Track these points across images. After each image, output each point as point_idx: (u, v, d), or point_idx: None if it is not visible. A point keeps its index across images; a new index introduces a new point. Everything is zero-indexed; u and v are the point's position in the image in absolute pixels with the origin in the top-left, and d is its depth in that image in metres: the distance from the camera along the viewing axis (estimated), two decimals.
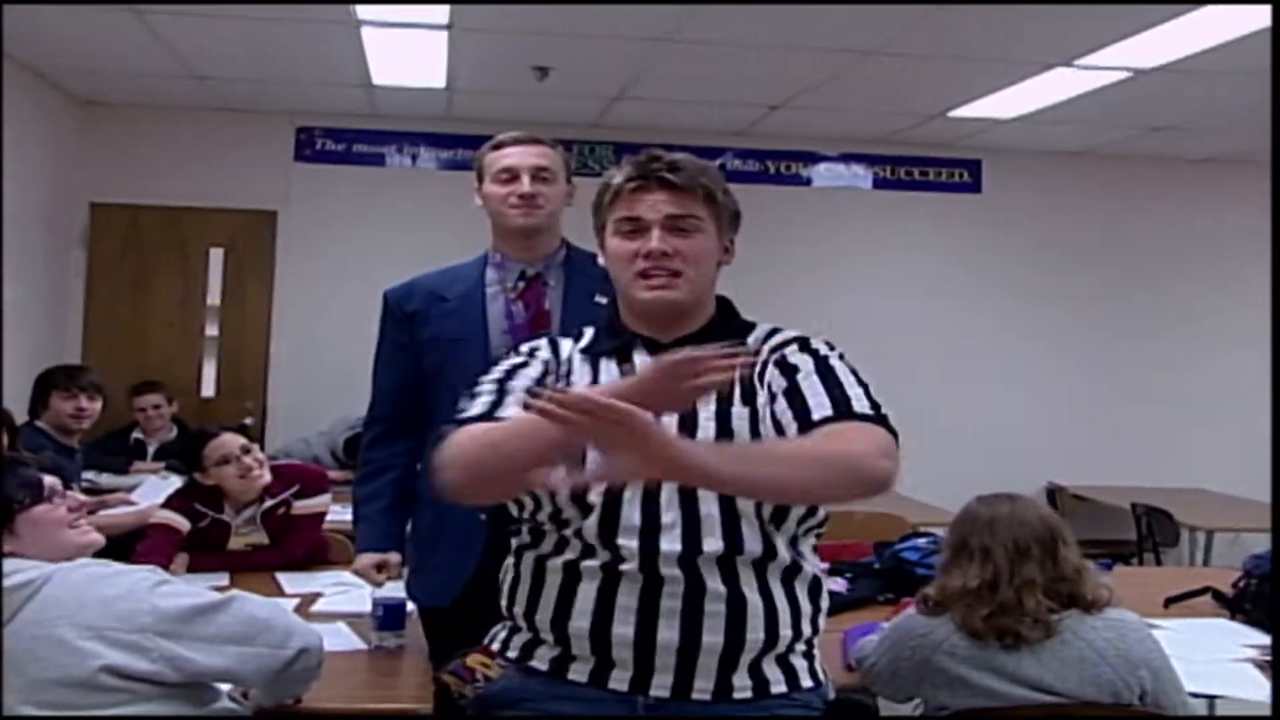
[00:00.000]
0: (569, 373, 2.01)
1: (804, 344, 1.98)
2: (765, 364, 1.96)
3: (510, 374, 2.01)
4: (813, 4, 4.82)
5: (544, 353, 2.06)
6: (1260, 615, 3.23)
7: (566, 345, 2.07)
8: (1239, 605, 3.34)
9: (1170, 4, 4.71)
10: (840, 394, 1.86)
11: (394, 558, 2.81)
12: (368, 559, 2.82)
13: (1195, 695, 2.59)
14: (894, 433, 1.83)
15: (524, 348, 2.08)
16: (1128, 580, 3.81)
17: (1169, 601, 3.45)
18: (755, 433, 1.89)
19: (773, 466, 1.71)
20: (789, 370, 1.93)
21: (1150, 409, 7.99)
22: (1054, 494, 7.56)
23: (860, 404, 1.85)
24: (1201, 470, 7.57)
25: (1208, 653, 2.96)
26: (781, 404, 1.89)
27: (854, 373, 1.94)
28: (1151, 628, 2.59)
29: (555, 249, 2.79)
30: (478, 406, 1.94)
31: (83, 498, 2.31)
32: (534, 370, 2.01)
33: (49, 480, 2.21)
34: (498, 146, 2.77)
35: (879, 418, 1.84)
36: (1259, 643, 3.07)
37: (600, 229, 2.02)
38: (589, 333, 2.08)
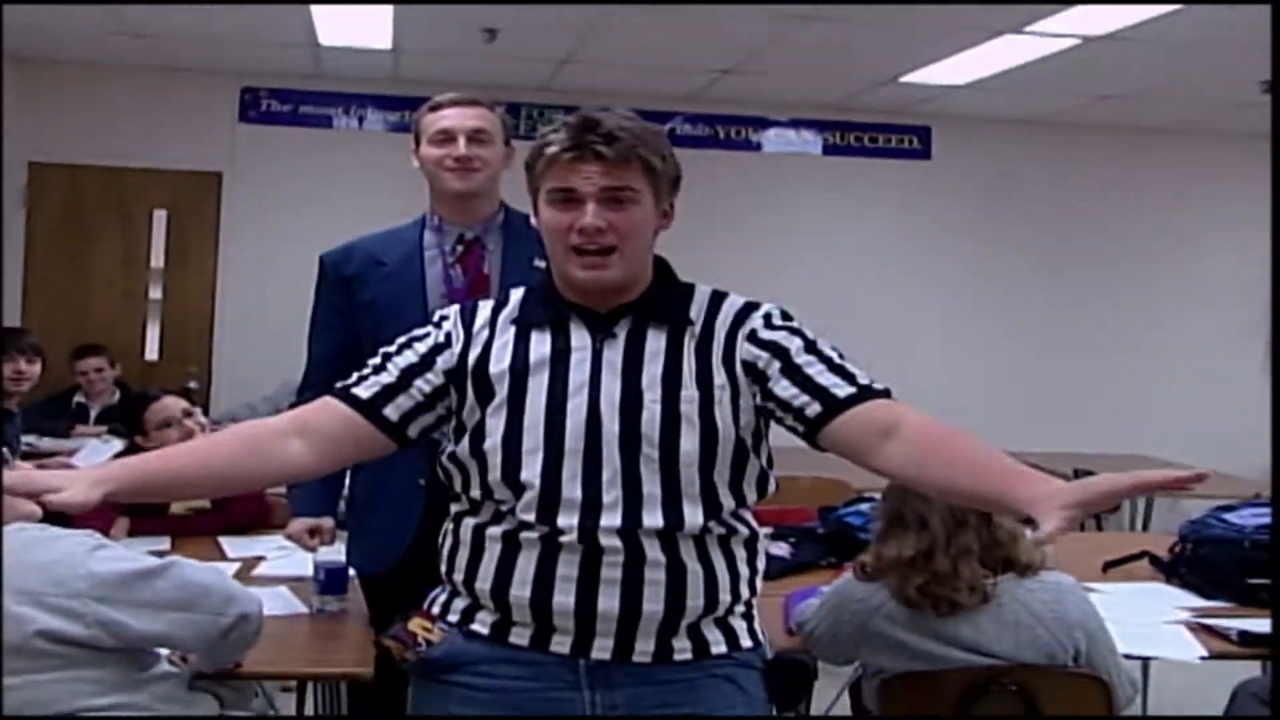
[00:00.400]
0: (489, 341, 1.94)
1: (769, 320, 1.94)
2: (730, 344, 1.91)
3: (401, 348, 1.99)
4: None
5: (448, 324, 1.99)
6: (1195, 580, 3.28)
7: (484, 311, 1.99)
8: (1174, 570, 3.39)
9: None
10: (845, 371, 1.89)
11: (327, 523, 2.80)
12: (300, 524, 2.81)
13: (1129, 657, 2.64)
14: None
15: (436, 315, 2.04)
16: (1067, 545, 3.82)
17: (1107, 566, 3.49)
18: (706, 417, 1.86)
19: None
20: (776, 350, 1.90)
21: (1095, 375, 8.07)
22: None
23: (864, 377, 1.89)
24: (1144, 437, 7.64)
25: (1143, 616, 3.00)
26: (784, 384, 1.87)
27: (831, 346, 1.96)
28: (1089, 592, 2.63)
29: (493, 212, 2.76)
30: (353, 376, 1.98)
31: (22, 465, 2.28)
32: (423, 346, 1.97)
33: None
34: (435, 108, 2.73)
35: (887, 392, 1.88)
36: (1192, 605, 3.12)
37: (534, 193, 1.95)
38: (516, 296, 2.00)
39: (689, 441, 1.85)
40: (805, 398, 1.85)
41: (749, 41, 6.20)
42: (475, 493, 1.91)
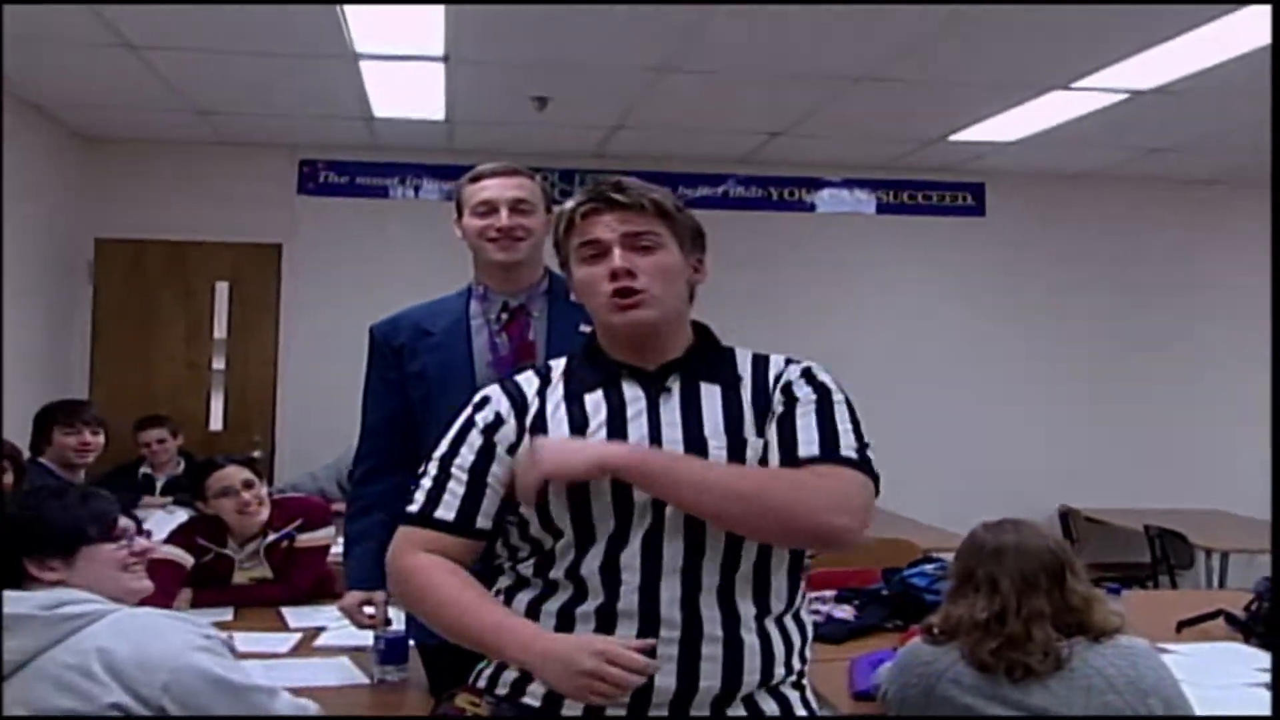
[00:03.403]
0: (540, 412, 1.93)
1: (808, 373, 1.95)
2: (774, 393, 1.93)
3: (453, 448, 1.95)
4: (818, 3, 4.64)
5: (493, 404, 1.97)
6: (1275, 638, 3.19)
7: (530, 385, 1.99)
8: (1252, 628, 3.30)
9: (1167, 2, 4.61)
10: (830, 432, 1.87)
11: (379, 595, 2.80)
12: (353, 597, 2.82)
13: None
14: (875, 477, 1.86)
15: (475, 401, 2.00)
16: (1139, 604, 3.78)
17: (1181, 625, 3.41)
18: (767, 465, 1.86)
19: (708, 488, 1.78)
20: (790, 399, 1.91)
21: (1160, 429, 7.96)
22: (1067, 517, 7.51)
23: (847, 445, 1.86)
24: (1216, 491, 7.52)
25: (1220, 677, 2.92)
26: (772, 430, 1.89)
27: (849, 406, 1.93)
28: (1163, 652, 2.57)
29: (538, 279, 2.78)
30: (418, 498, 1.94)
31: (146, 544, 2.32)
32: (477, 438, 1.94)
33: (124, 522, 2.25)
34: (475, 179, 2.76)
35: (862, 461, 1.85)
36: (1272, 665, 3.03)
37: (566, 263, 2.00)
38: (558, 366, 2.01)
39: None
40: (776, 445, 1.87)
41: (798, 104, 6.22)
42: (526, 569, 1.90)
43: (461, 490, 1.92)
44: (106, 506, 2.24)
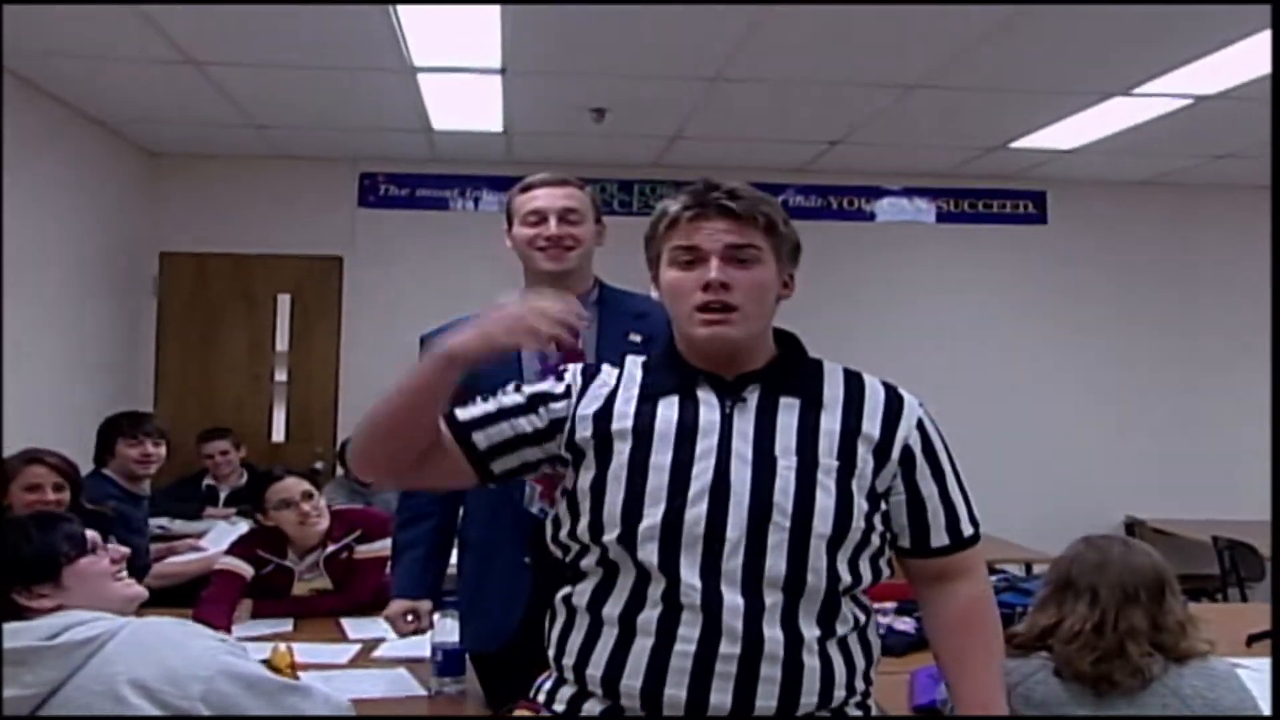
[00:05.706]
0: (611, 398, 1.93)
1: (922, 425, 1.95)
2: (885, 429, 1.90)
3: (515, 390, 1.99)
4: (879, 3, 4.56)
5: (569, 377, 1.99)
6: None
7: (609, 373, 1.98)
8: None
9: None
10: (951, 512, 1.96)
11: (424, 605, 2.81)
12: (398, 606, 2.82)
13: None
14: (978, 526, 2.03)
15: (561, 368, 2.03)
16: (1208, 617, 3.66)
17: (1252, 640, 3.33)
18: (843, 488, 1.83)
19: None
20: (908, 467, 1.92)
21: (1227, 439, 7.81)
22: (1133, 528, 7.39)
23: (965, 523, 1.98)
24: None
25: None
26: (902, 517, 1.94)
27: (948, 453, 1.99)
28: (1234, 667, 2.49)
29: (588, 289, 2.76)
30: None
31: (124, 550, 2.32)
32: (534, 391, 1.97)
33: (90, 534, 2.24)
34: (526, 189, 2.75)
35: (975, 532, 2.00)
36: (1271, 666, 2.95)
37: (654, 260, 1.95)
38: (635, 366, 1.99)
39: (822, 512, 1.81)
40: (908, 532, 1.95)
41: (856, 112, 6.18)
42: (588, 560, 1.87)
43: (488, 410, 1.95)
44: (72, 526, 2.25)
